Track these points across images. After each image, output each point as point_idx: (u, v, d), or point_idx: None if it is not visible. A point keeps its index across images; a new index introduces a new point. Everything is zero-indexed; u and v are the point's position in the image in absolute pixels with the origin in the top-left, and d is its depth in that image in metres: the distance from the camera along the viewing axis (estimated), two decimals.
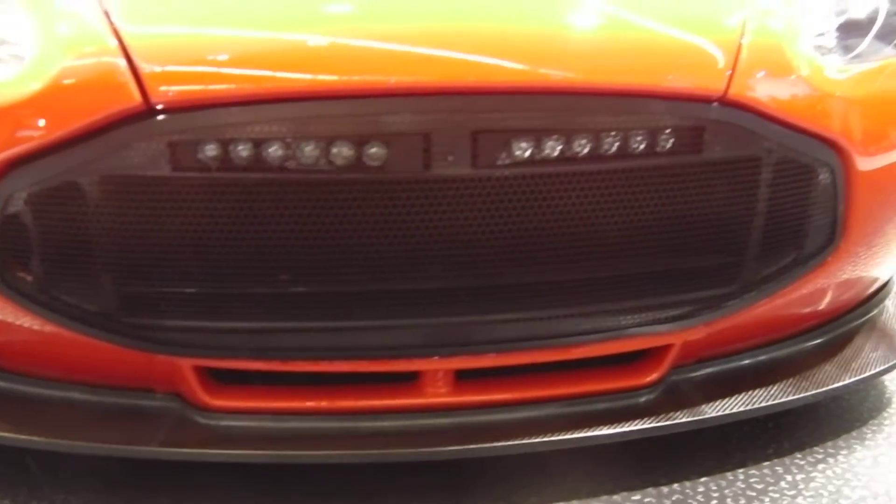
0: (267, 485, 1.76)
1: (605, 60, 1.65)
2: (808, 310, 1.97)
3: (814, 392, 1.88)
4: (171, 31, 1.62)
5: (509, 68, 1.59)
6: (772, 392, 1.86)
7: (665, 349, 1.81)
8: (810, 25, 1.81)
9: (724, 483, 1.79)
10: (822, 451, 1.90)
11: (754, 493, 1.76)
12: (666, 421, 1.77)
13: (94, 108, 1.52)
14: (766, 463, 1.86)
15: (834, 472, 1.83)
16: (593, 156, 1.62)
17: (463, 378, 1.75)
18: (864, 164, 1.79)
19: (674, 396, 1.83)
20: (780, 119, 1.69)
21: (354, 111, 1.55)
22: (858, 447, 1.92)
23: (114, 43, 1.55)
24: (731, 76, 1.66)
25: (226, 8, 1.66)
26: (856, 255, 1.89)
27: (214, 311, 1.64)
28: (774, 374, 1.91)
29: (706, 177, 1.69)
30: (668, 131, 1.64)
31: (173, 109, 1.52)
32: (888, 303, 2.14)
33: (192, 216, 1.57)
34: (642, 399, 1.81)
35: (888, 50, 1.89)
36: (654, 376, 1.82)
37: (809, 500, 1.75)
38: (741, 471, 1.83)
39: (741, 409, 1.81)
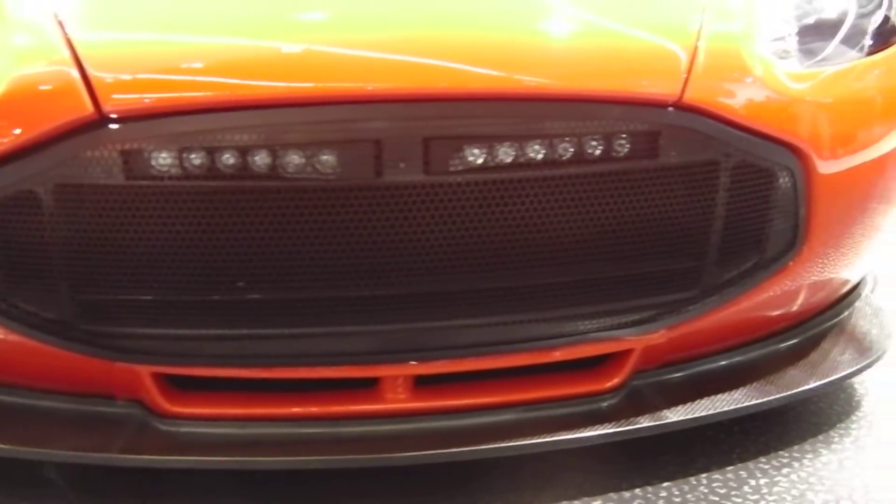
0: (232, 488, 1.76)
1: (558, 65, 1.65)
2: (775, 313, 1.96)
3: (778, 396, 1.87)
4: (124, 39, 1.62)
5: (461, 74, 1.59)
6: (735, 396, 1.85)
7: (626, 354, 1.81)
8: (769, 29, 1.80)
9: (686, 488, 1.79)
10: (787, 455, 1.89)
11: (717, 499, 1.76)
12: (628, 426, 1.76)
13: (47, 117, 1.53)
14: (730, 467, 1.85)
15: (798, 476, 1.83)
16: (548, 161, 1.62)
17: (423, 384, 1.75)
18: (826, 167, 1.78)
19: (636, 401, 1.82)
20: (737, 123, 1.69)
21: (305, 119, 1.55)
22: (824, 451, 1.91)
23: (66, 52, 1.56)
24: (686, 80, 1.66)
25: (179, 16, 1.66)
26: (821, 258, 1.88)
27: (172, 318, 1.65)
28: (739, 378, 1.91)
29: (663, 181, 1.69)
30: (623, 136, 1.64)
31: (125, 118, 1.53)
32: (858, 304, 2.13)
33: (146, 224, 1.58)
34: (604, 404, 1.81)
35: (853, 53, 1.88)
36: (615, 381, 1.82)
37: None
38: (704, 476, 1.82)
39: (704, 413, 1.81)
